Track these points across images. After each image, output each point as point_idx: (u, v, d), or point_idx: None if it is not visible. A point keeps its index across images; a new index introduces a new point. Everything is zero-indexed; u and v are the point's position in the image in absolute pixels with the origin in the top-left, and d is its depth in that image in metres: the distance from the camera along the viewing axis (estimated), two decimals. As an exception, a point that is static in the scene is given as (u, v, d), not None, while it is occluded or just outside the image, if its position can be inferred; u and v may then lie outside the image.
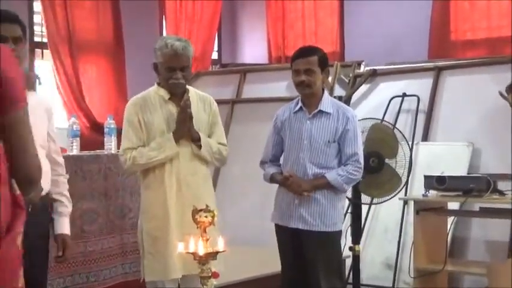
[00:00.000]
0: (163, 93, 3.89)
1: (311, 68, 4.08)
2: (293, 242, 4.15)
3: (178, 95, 3.90)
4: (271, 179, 4.26)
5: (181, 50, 3.79)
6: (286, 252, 4.22)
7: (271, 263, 5.00)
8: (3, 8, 3.11)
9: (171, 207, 3.81)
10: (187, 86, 3.96)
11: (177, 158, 3.85)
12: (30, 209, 3.06)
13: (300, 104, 4.18)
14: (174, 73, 3.81)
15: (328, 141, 4.09)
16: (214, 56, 9.13)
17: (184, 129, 3.83)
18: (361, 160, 4.14)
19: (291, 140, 4.17)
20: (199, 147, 3.89)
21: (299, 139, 4.14)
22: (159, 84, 3.95)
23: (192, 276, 3.66)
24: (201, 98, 4.00)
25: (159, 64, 3.85)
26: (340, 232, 4.20)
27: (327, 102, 4.16)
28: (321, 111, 4.13)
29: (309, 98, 4.15)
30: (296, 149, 4.14)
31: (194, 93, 4.00)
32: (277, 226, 4.25)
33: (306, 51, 4.18)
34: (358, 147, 4.14)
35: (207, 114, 3.96)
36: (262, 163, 4.36)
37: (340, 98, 5.94)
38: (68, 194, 3.52)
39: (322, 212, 4.09)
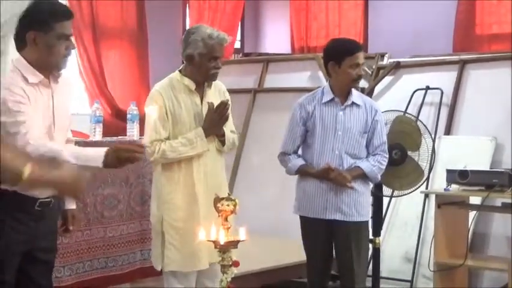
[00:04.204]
0: (189, 83, 3.85)
1: (363, 61, 4.16)
2: (325, 233, 4.12)
3: (201, 86, 3.89)
4: (301, 172, 4.18)
5: (226, 41, 3.79)
6: (318, 244, 4.15)
7: (290, 253, 5.01)
8: None
9: (199, 198, 3.81)
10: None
11: (205, 153, 3.85)
12: (51, 206, 3.11)
13: (331, 95, 4.15)
14: (216, 63, 3.81)
15: (361, 132, 4.11)
16: (237, 45, 9.10)
17: (217, 129, 3.84)
18: (387, 149, 4.23)
19: (324, 130, 4.12)
20: (222, 142, 3.89)
21: (333, 130, 4.11)
22: (180, 71, 3.92)
23: (212, 264, 3.68)
24: (216, 86, 3.98)
25: (199, 55, 3.80)
26: (368, 221, 4.22)
27: (357, 95, 4.19)
28: (352, 103, 4.13)
29: (345, 90, 4.14)
30: (330, 140, 4.11)
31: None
32: (306, 218, 4.17)
33: (359, 45, 4.23)
34: (385, 137, 4.22)
35: None
36: (284, 154, 4.23)
37: (362, 90, 5.91)
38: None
39: (357, 201, 4.10)
